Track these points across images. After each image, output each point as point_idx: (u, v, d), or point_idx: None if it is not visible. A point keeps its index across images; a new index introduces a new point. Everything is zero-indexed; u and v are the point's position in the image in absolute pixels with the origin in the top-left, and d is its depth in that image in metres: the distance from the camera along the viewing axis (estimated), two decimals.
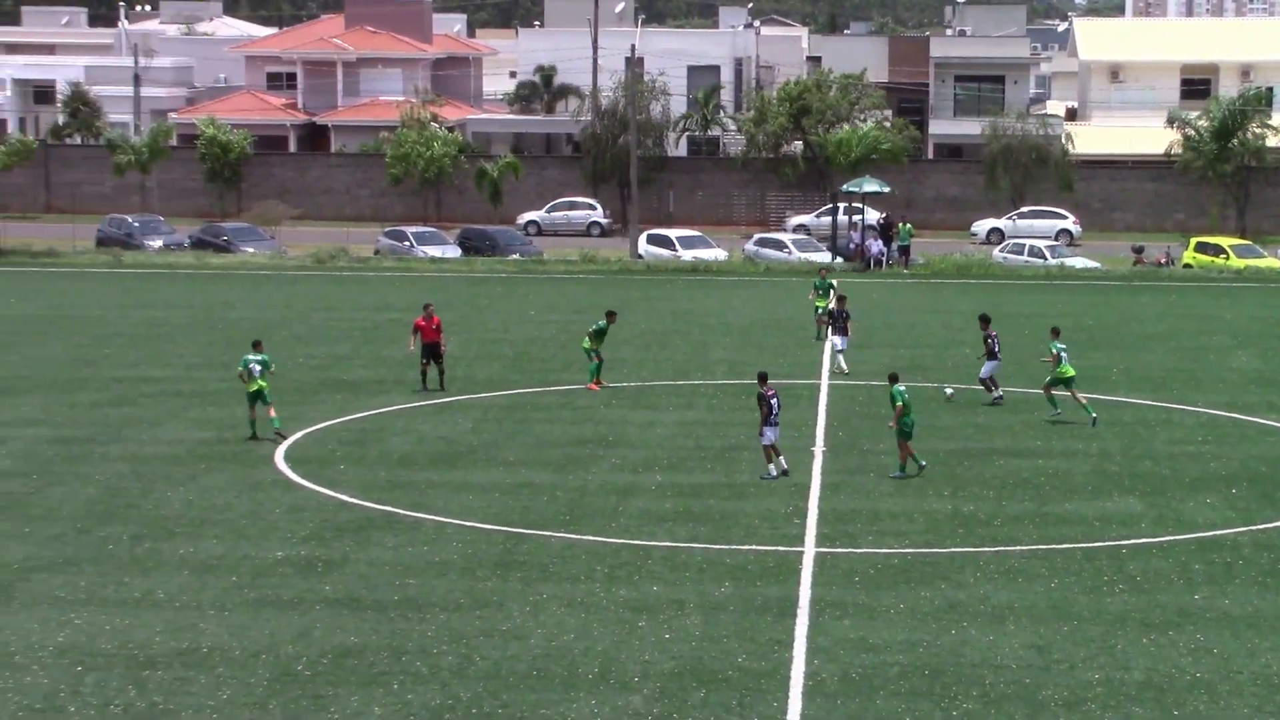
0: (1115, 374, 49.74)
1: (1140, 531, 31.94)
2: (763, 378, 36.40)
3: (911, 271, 78.54)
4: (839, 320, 49.72)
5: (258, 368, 39.15)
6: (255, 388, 39.16)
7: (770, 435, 35.67)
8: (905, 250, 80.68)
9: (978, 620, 26.50)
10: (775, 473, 35.77)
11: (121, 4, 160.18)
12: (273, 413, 39.38)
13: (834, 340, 49.74)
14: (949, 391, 44.78)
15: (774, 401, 35.56)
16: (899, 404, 35.66)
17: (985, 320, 45.81)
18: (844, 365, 49.05)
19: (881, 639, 25.56)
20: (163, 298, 66.33)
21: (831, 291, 54.80)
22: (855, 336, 50.70)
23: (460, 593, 27.65)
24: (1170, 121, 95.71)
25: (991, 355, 44.63)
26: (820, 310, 54.83)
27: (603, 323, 46.73)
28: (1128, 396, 46.03)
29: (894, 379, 36.32)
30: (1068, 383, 42.56)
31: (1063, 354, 42.52)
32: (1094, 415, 41.94)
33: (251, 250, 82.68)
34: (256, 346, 39.98)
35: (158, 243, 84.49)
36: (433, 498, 33.95)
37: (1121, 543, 31.12)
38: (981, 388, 44.93)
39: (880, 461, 37.51)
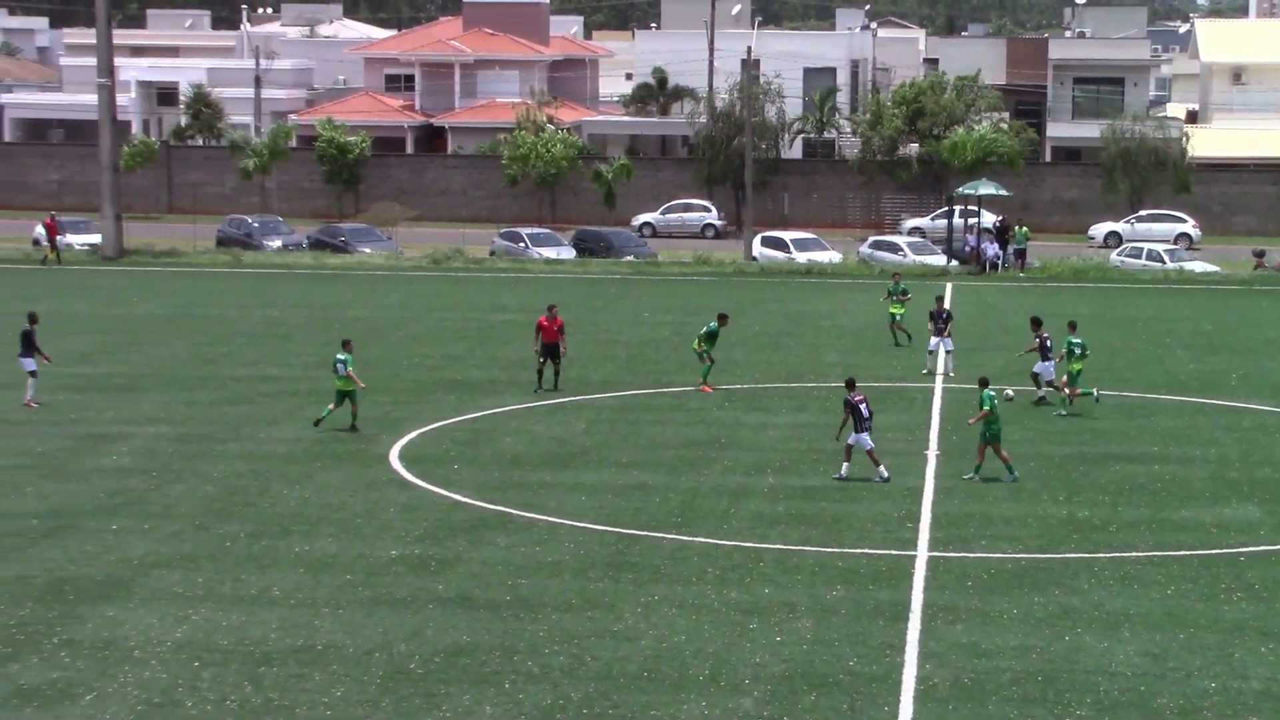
0: (1234, 379, 49.14)
1: (1259, 539, 31.53)
2: (850, 384, 36.38)
3: (1027, 275, 77.94)
4: (940, 321, 49.28)
5: (340, 366, 40.01)
6: (339, 387, 40.08)
7: (866, 442, 35.49)
8: (1021, 253, 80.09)
9: (1092, 627, 26.26)
10: (845, 473, 35.72)
11: (244, 6, 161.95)
12: (332, 406, 40.31)
13: (943, 342, 49.29)
14: (1010, 394, 44.71)
15: (863, 407, 35.45)
16: (986, 408, 35.37)
17: (1037, 322, 45.91)
18: (950, 368, 48.62)
19: (994, 644, 25.38)
20: (281, 297, 66.98)
21: (906, 296, 54.66)
22: (958, 339, 50.34)
23: (572, 593, 27.72)
24: None
25: (1044, 356, 44.68)
26: (898, 317, 54.40)
27: (714, 325, 46.74)
28: (1246, 402, 45.47)
29: (984, 383, 36.07)
30: (1073, 376, 43.64)
31: (1076, 349, 43.68)
32: (1062, 412, 43.38)
33: (368, 251, 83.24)
34: (345, 345, 40.73)
35: (276, 243, 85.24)
36: (545, 498, 34.06)
37: (1239, 550, 30.73)
38: (1049, 389, 44.80)
39: (993, 466, 37.22)
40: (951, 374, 48.36)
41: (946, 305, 50.16)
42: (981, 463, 35.89)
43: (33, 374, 43.44)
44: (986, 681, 23.87)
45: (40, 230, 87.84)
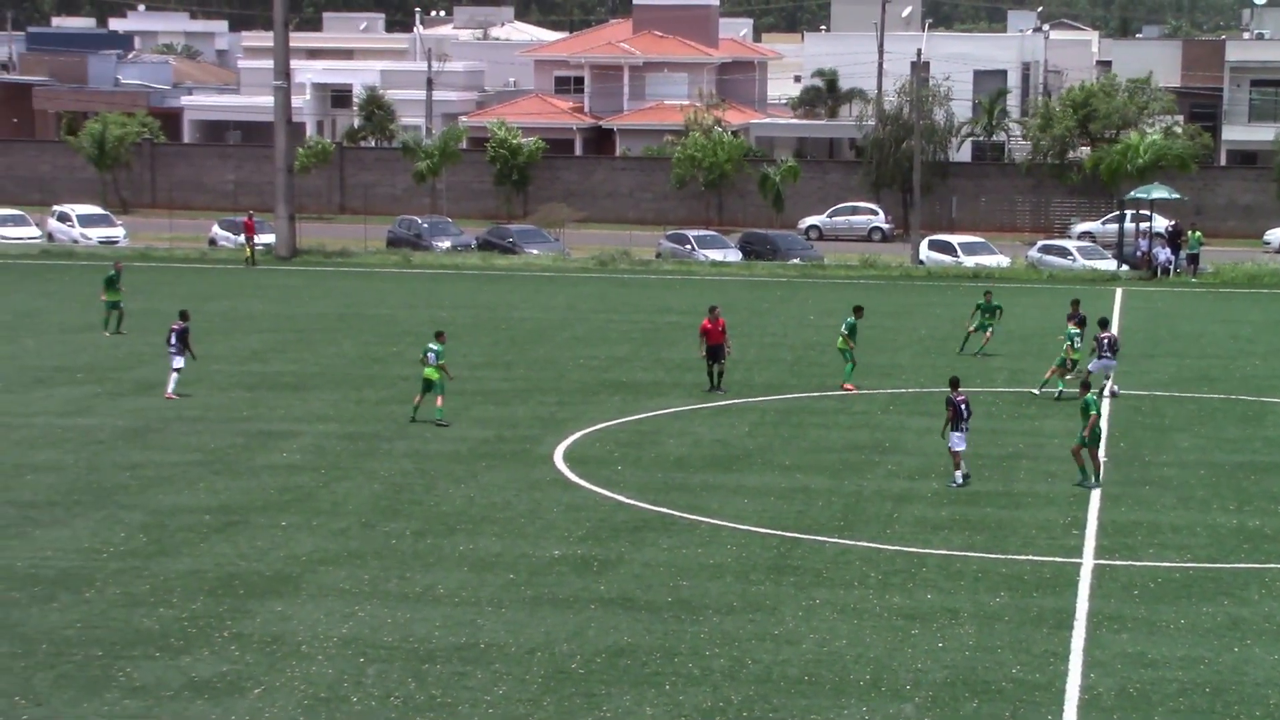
0: None
1: None
2: (954, 383, 36.24)
3: (1200, 280, 76.74)
4: (1104, 350, 47.35)
5: (432, 356, 41.00)
6: (427, 375, 41.07)
7: (958, 442, 35.34)
8: (1194, 258, 78.89)
9: (1262, 638, 25.79)
10: (961, 480, 35.40)
11: (417, 10, 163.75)
12: (440, 403, 41.06)
13: (1102, 363, 47.49)
14: (1116, 389, 44.56)
15: (964, 407, 35.24)
16: (1094, 413, 34.84)
17: (1104, 323, 46.32)
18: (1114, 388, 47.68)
19: (1161, 654, 25.02)
20: (449, 298, 67.59)
21: (998, 313, 53.13)
22: (1130, 346, 49.60)
23: (733, 595, 27.71)
24: None
25: (1100, 355, 45.03)
26: (988, 327, 52.76)
27: (852, 319, 46.79)
28: None
29: (1086, 388, 35.49)
30: (1063, 365, 45.43)
31: (1076, 340, 45.31)
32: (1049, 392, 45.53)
33: (536, 252, 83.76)
34: (439, 337, 41.85)
35: (446, 244, 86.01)
36: (708, 500, 34.08)
37: None
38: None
39: (1163, 474, 36.74)
40: (1117, 390, 47.20)
41: (1114, 332, 48.38)
42: (1092, 466, 35.45)
43: (178, 370, 44.96)
44: (1152, 692, 23.53)
45: (217, 230, 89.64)
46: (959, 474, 35.53)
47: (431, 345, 41.42)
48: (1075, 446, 35.67)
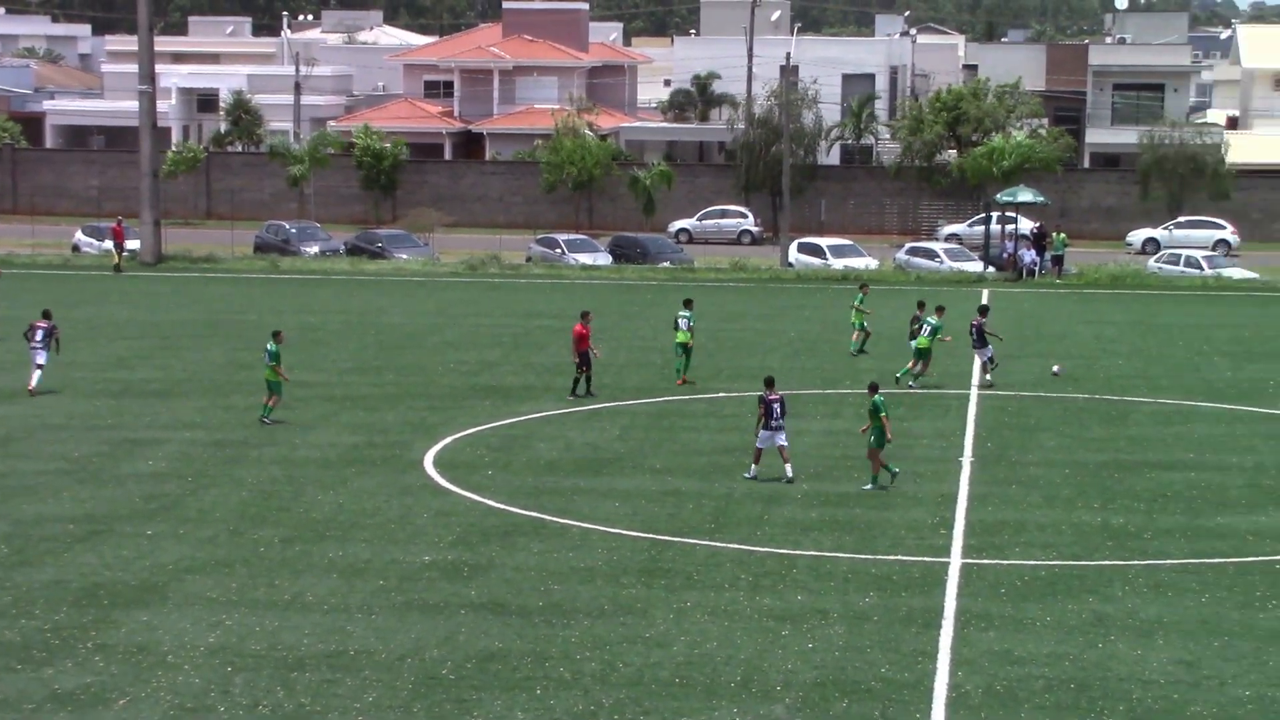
0: (1272, 386, 48.90)
1: None
2: (769, 383, 36.65)
3: (1065, 281, 77.72)
4: (980, 334, 49.00)
5: (267, 355, 42.10)
6: (266, 374, 42.23)
7: (764, 439, 35.90)
8: (1059, 260, 79.90)
9: (1126, 634, 26.15)
10: (754, 473, 36.13)
11: (285, 14, 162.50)
12: (271, 402, 42.07)
13: (985, 352, 49.03)
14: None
15: (776, 407, 35.75)
16: (884, 415, 35.19)
17: (983, 310, 50.40)
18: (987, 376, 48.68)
19: (1027, 651, 25.30)
20: (318, 304, 67.15)
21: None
22: (996, 346, 50.35)
23: (604, 599, 27.72)
24: None
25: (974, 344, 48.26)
26: (860, 325, 54.64)
27: (935, 319, 48.06)
28: None
29: (875, 389, 35.88)
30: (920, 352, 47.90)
31: (928, 325, 47.40)
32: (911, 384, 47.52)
33: (405, 257, 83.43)
34: (275, 337, 42.67)
35: (314, 249, 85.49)
36: (579, 504, 34.07)
37: (1276, 558, 30.56)
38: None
39: (1029, 473, 37.16)
40: (991, 380, 48.24)
41: (983, 319, 49.62)
42: (876, 468, 35.78)
43: (40, 366, 45.84)
44: (1019, 689, 23.78)
45: (80, 236, 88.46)
46: (754, 468, 36.26)
47: (268, 345, 42.18)
48: (870, 450, 35.81)
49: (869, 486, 35.51)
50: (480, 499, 34.49)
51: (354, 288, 73.17)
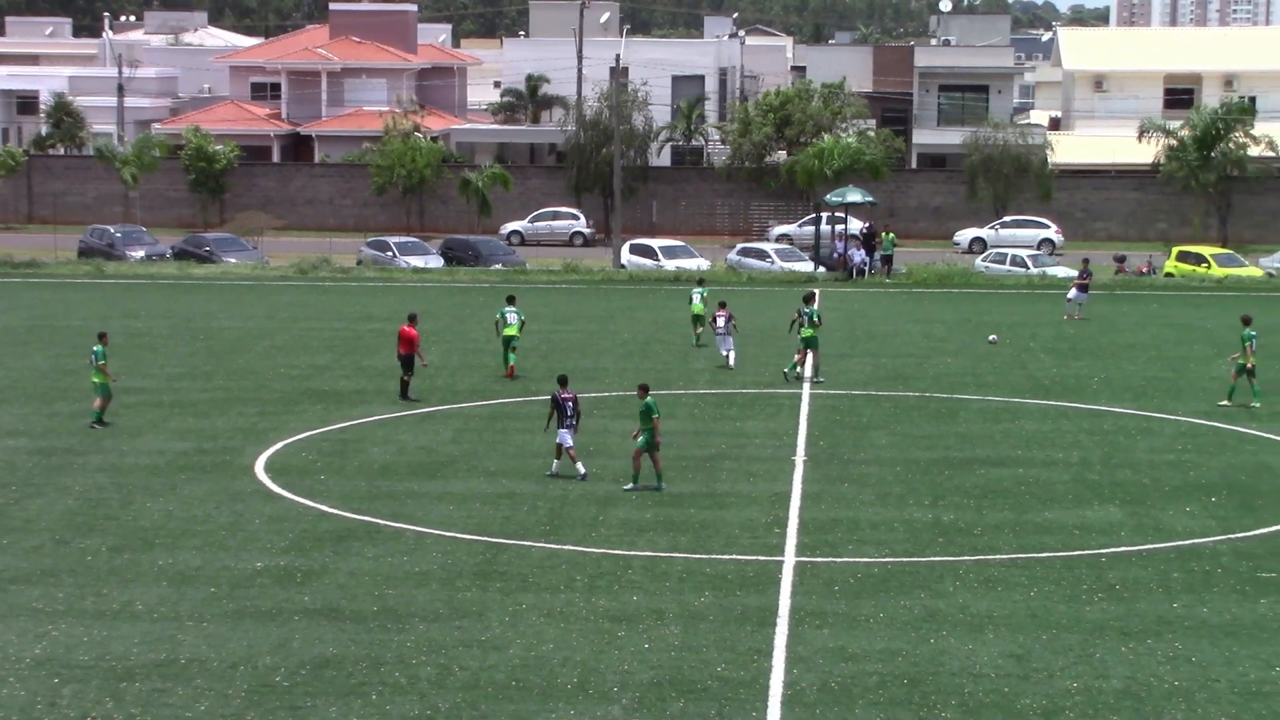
0: (1096, 383, 49.81)
1: (1120, 540, 31.96)
2: (562, 381, 37.12)
3: (894, 281, 78.63)
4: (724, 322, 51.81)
5: (94, 357, 41.86)
6: (93, 377, 41.97)
7: (566, 438, 36.25)
8: (888, 259, 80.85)
9: (957, 629, 26.49)
10: (556, 469, 36.61)
11: (106, 15, 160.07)
12: (99, 405, 41.73)
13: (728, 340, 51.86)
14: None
15: (569, 405, 36.18)
16: (655, 416, 35.38)
17: (721, 304, 52.41)
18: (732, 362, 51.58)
19: (860, 648, 25.55)
20: (144, 308, 66.24)
21: (705, 298, 56.77)
22: (826, 344, 51.00)
23: (440, 603, 27.60)
24: (1143, 132, 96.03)
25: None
26: (700, 318, 56.14)
27: (513, 308, 49.84)
28: (1109, 405, 46.08)
29: (645, 390, 36.05)
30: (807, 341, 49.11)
31: (809, 317, 48.45)
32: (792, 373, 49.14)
33: (234, 260, 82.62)
34: (101, 338, 42.60)
35: (140, 253, 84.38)
36: (413, 508, 33.91)
37: (1101, 551, 31.13)
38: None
39: (861, 471, 37.53)
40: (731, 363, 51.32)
41: (728, 312, 52.24)
42: (639, 471, 35.88)
43: None
44: (853, 685, 24.01)
45: None
46: (556, 464, 36.67)
47: (95, 348, 41.91)
48: (636, 451, 35.85)
49: (630, 487, 35.57)
50: (313, 504, 34.20)
51: (182, 292, 72.27)
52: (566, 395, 36.34)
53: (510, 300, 50.68)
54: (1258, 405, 45.74)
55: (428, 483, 36.24)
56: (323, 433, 41.63)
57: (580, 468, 36.41)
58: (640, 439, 35.52)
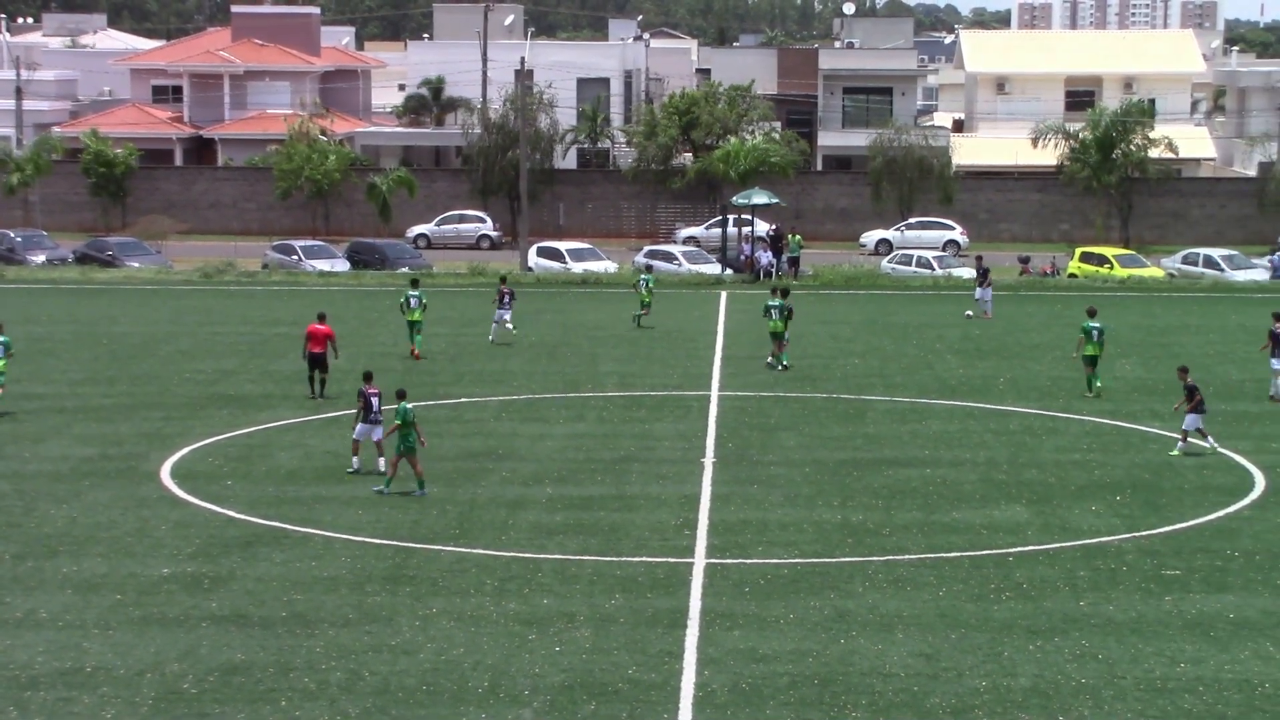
0: (1002, 383, 50.17)
1: (1027, 539, 32.24)
2: (367, 377, 37.73)
3: (801, 283, 78.86)
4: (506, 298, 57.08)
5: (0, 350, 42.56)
6: None
7: (362, 431, 36.89)
8: (795, 261, 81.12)
9: (867, 629, 26.64)
10: (358, 465, 37.13)
11: (2, 17, 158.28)
12: None
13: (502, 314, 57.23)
14: (969, 314, 48.25)
15: (374, 400, 36.85)
16: (412, 421, 35.27)
17: (503, 278, 56.94)
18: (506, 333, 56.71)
19: (771, 649, 25.64)
20: (45, 313, 65.56)
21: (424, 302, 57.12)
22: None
23: (349, 608, 27.49)
24: (1038, 137, 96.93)
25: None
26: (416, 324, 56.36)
27: (415, 292, 53.31)
28: (1014, 405, 46.43)
29: (401, 395, 36.06)
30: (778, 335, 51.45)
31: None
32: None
33: (137, 265, 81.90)
34: None
35: (40, 258, 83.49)
36: (321, 513, 33.75)
37: (1008, 551, 31.39)
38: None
39: (770, 473, 37.66)
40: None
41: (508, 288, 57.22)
42: (394, 476, 35.78)
43: None
44: (764, 686, 24.10)
45: None
46: (356, 460, 37.17)
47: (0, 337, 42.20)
48: (394, 457, 35.66)
49: (379, 489, 35.58)
50: (220, 509, 33.98)
51: (84, 297, 71.58)
52: (373, 390, 37.02)
53: (414, 284, 53.51)
54: (1090, 395, 46.70)
55: (336, 487, 36.08)
56: (229, 438, 41.36)
57: (381, 464, 36.57)
58: (400, 445, 35.24)
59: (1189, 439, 40.12)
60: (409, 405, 35.48)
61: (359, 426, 37.07)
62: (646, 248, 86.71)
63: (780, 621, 27.00)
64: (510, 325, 57.61)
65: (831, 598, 28.29)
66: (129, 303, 69.56)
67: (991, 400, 47.22)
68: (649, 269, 55.97)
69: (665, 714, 23.10)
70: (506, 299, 57.61)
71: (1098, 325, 47.39)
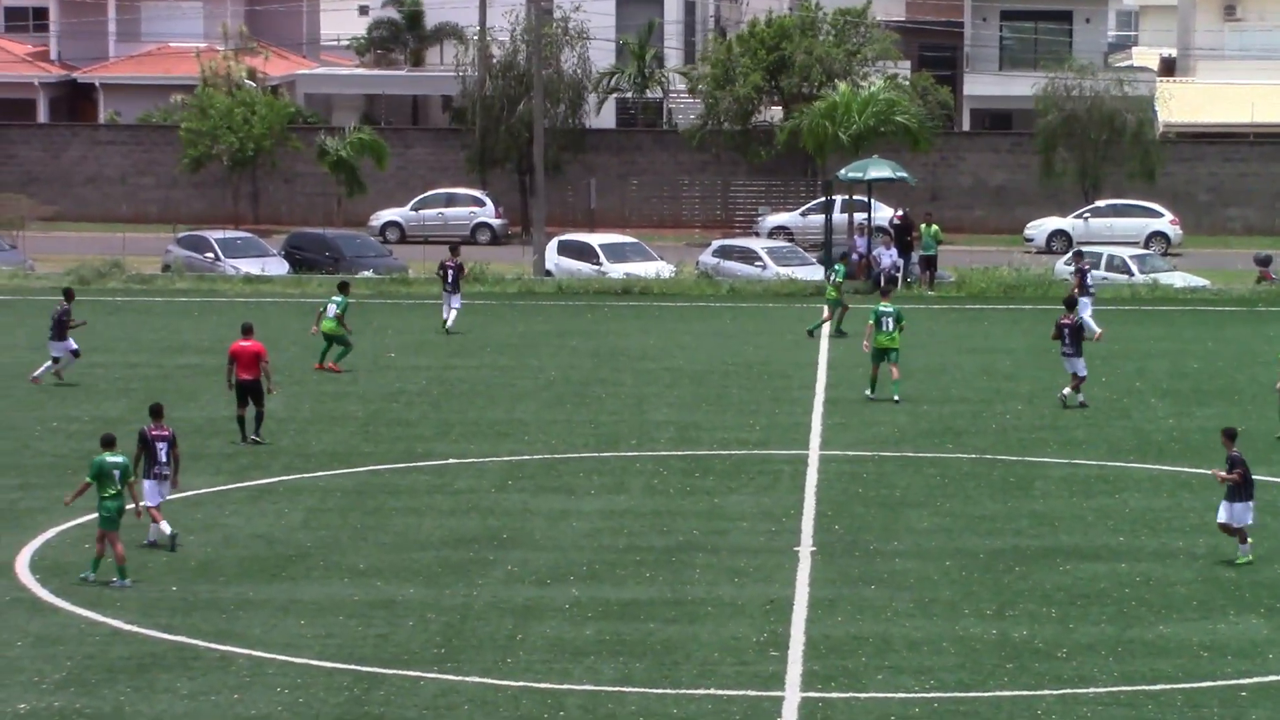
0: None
1: (1266, 665, 32.15)
2: (155, 411, 38.71)
3: (939, 293, 78.77)
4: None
5: None
6: None
7: (152, 492, 37.64)
8: (930, 262, 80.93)
9: None
10: (154, 537, 37.80)
11: None
12: None
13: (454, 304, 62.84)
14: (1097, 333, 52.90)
15: (162, 447, 37.66)
16: (131, 480, 36.18)
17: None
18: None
19: None
20: None
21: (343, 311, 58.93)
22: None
23: None
24: None
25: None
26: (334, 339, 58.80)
27: (340, 299, 57.23)
28: (1261, 472, 46.11)
29: (109, 443, 36.59)
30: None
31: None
32: None
33: None
34: None
35: None
36: (246, 623, 33.87)
37: (1240, 681, 31.30)
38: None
39: (894, 568, 37.65)
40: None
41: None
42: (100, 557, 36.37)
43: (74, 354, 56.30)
44: None
45: None
46: (163, 526, 37.90)
47: None
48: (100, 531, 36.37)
49: (88, 574, 36.14)
50: (101, 618, 34.13)
51: None
52: (159, 432, 37.60)
53: (341, 288, 57.13)
54: None
55: (267, 587, 36.21)
56: None
57: (165, 528, 37.33)
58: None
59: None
60: (113, 457, 36.10)
61: (146, 483, 37.55)
62: (716, 243, 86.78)
63: None
64: (450, 323, 61.39)
65: None
66: None
67: (1215, 464, 47.05)
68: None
69: None
70: (451, 276, 59.93)
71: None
